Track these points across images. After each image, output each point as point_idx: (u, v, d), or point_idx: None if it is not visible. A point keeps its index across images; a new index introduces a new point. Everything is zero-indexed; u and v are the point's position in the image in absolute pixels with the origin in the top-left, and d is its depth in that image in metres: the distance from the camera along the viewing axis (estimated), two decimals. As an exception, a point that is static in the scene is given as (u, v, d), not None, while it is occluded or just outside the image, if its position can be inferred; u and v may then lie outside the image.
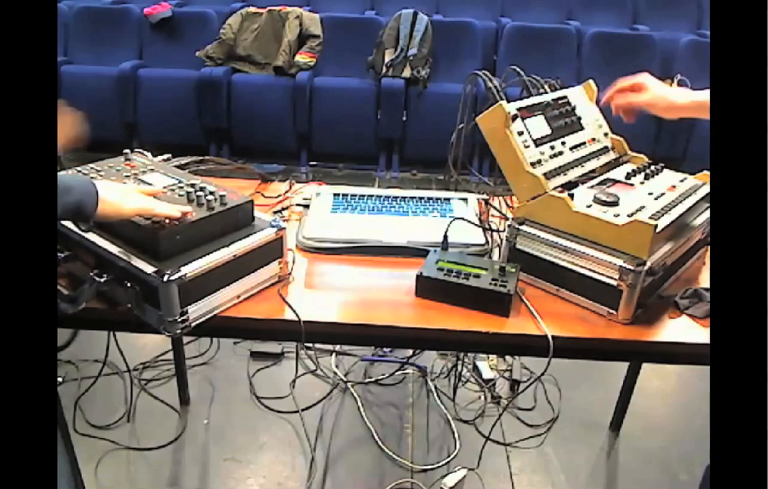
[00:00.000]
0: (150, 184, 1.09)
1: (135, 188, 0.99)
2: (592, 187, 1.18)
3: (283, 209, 1.42)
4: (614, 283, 1.02)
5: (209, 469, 1.82)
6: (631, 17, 4.65)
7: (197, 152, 1.58)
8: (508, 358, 2.26)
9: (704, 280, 1.21)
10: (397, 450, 1.88)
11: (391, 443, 1.90)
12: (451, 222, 1.22)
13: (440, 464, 1.84)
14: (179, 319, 0.94)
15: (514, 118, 1.15)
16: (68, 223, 1.01)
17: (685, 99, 1.18)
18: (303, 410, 1.99)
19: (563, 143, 1.23)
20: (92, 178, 1.08)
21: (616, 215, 1.04)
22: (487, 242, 1.26)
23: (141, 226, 0.95)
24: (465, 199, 1.44)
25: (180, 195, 1.05)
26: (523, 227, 1.12)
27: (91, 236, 1.00)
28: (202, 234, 1.00)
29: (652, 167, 1.28)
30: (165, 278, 0.90)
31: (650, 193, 1.15)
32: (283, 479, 1.78)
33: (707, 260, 1.29)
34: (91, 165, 1.19)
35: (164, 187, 1.08)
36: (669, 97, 1.20)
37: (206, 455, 1.87)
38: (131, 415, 1.97)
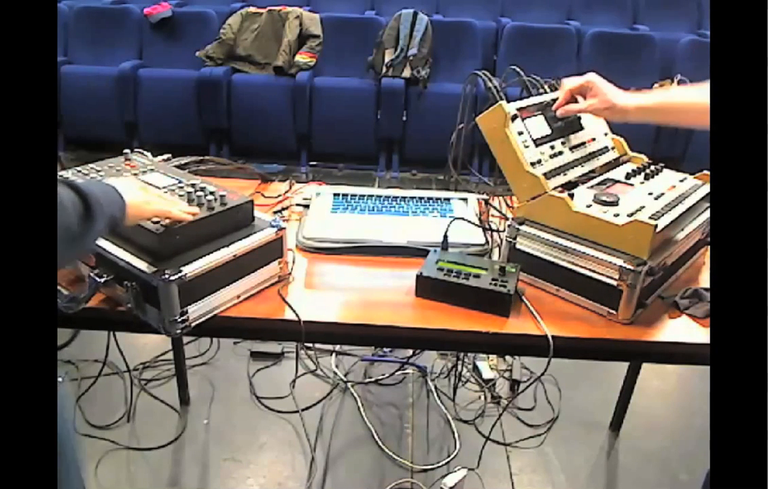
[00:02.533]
0: (149, 184, 1.10)
1: (150, 190, 0.98)
2: (592, 187, 1.18)
3: (283, 209, 1.42)
4: (614, 283, 1.02)
5: (209, 469, 1.82)
6: (631, 17, 4.65)
7: (197, 152, 1.58)
8: (508, 358, 2.26)
9: (704, 280, 1.21)
10: (397, 450, 1.88)
11: (391, 443, 1.90)
12: (451, 222, 1.22)
13: (440, 464, 1.84)
14: (179, 319, 0.94)
15: (514, 118, 1.15)
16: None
17: (630, 103, 1.12)
18: (303, 410, 1.99)
19: (563, 143, 1.23)
20: (100, 179, 1.08)
21: (616, 215, 1.04)
22: (487, 242, 1.26)
23: (141, 226, 0.95)
24: (465, 199, 1.44)
25: (180, 195, 1.05)
26: (523, 227, 1.12)
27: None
28: (202, 234, 1.00)
29: (652, 167, 1.28)
30: (165, 278, 0.90)
31: (650, 193, 1.15)
32: (283, 479, 1.78)
33: (707, 260, 1.29)
34: (91, 165, 1.19)
35: (164, 187, 1.08)
36: (615, 102, 1.12)
37: (206, 455, 1.87)
38: (131, 415, 1.97)
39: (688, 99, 1.09)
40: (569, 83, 1.18)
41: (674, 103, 1.13)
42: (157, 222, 0.95)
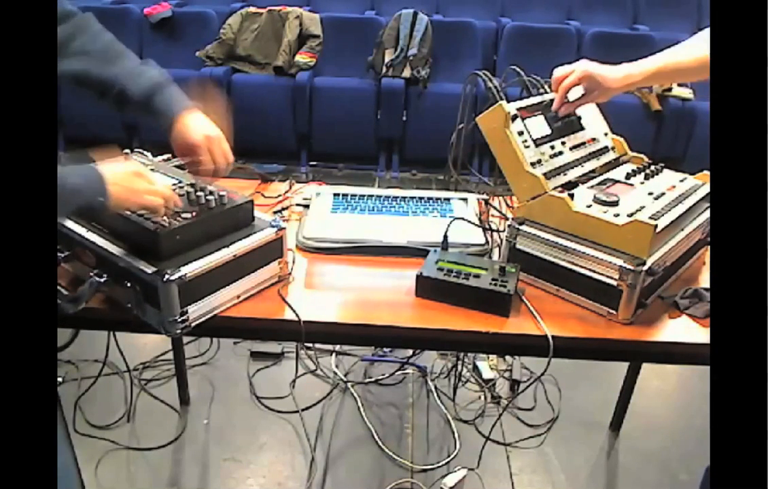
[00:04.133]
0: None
1: (145, 180, 0.94)
2: (592, 187, 1.18)
3: (283, 209, 1.42)
4: (614, 283, 1.02)
5: (209, 469, 1.82)
6: (631, 17, 4.65)
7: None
8: (508, 358, 2.26)
9: (704, 280, 1.21)
10: (397, 450, 1.88)
11: (391, 443, 1.90)
12: (451, 222, 1.22)
13: (440, 464, 1.84)
14: (179, 319, 0.94)
15: (514, 118, 1.15)
16: (69, 223, 1.02)
17: (624, 80, 1.15)
18: (303, 410, 1.99)
19: (563, 143, 1.23)
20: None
21: (616, 215, 1.04)
22: (487, 242, 1.26)
23: (141, 226, 0.95)
24: (465, 199, 1.44)
25: (180, 195, 1.05)
26: (523, 227, 1.12)
27: (92, 236, 1.00)
28: (202, 234, 1.00)
29: (652, 167, 1.28)
30: (165, 278, 0.90)
31: (650, 193, 1.15)
32: (283, 479, 1.78)
33: (707, 260, 1.29)
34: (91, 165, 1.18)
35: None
36: (611, 86, 1.15)
37: (206, 455, 1.87)
38: (131, 415, 1.97)
39: (677, 59, 1.14)
40: (564, 82, 1.18)
41: (666, 66, 1.15)
42: (149, 218, 0.95)
